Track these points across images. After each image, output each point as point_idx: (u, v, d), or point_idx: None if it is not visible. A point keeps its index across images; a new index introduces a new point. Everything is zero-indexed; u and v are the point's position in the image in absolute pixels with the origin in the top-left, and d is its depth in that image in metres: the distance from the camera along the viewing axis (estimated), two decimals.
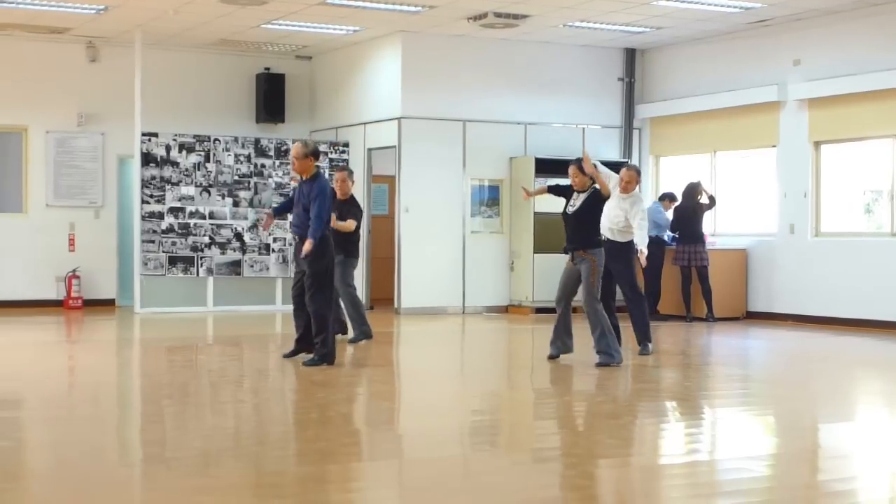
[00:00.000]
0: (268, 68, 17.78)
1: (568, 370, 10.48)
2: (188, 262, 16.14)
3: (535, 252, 16.15)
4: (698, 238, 15.26)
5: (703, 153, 16.61)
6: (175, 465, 6.28)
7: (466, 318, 15.79)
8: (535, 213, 16.08)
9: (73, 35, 16.29)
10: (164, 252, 16.02)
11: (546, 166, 15.69)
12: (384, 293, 16.81)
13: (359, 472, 6.31)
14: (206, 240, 16.22)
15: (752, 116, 15.66)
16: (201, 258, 16.20)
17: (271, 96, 17.66)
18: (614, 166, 16.36)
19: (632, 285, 11.41)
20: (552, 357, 10.63)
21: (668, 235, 15.64)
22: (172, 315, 15.70)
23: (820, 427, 8.05)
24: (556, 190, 11.04)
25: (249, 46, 17.09)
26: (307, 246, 10.04)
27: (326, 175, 13.19)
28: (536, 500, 5.71)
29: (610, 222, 11.29)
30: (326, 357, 10.17)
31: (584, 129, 17.11)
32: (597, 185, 10.46)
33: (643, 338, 11.38)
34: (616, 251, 11.22)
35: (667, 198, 15.85)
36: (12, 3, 14.31)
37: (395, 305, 16.20)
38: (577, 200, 10.51)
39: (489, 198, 16.47)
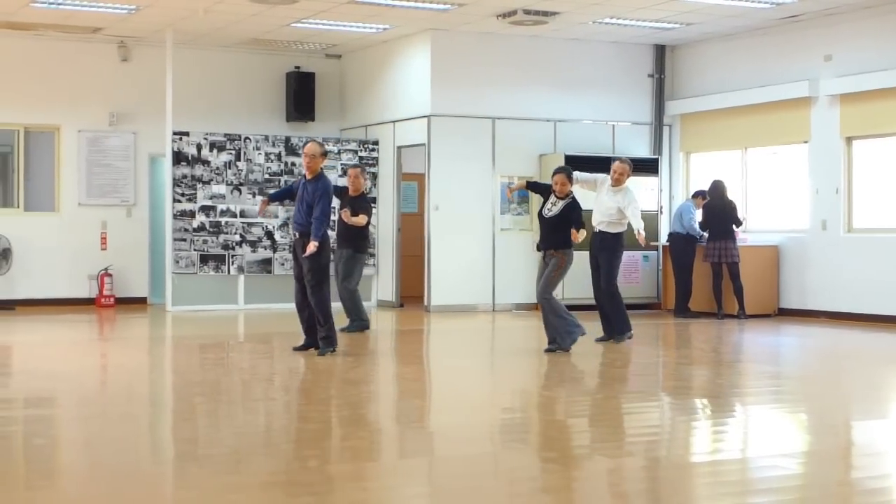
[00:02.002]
0: (298, 67, 17.81)
1: (597, 367, 10.47)
2: (219, 261, 16.19)
3: None
4: (728, 234, 15.17)
5: (733, 149, 16.52)
6: (207, 463, 6.30)
7: (496, 315, 15.77)
8: None
9: (105, 35, 16.37)
10: (195, 250, 16.08)
11: (576, 163, 15.52)
12: (414, 291, 16.81)
13: (390, 470, 6.31)
14: (237, 238, 16.27)
15: (784, 112, 15.55)
16: (232, 256, 16.26)
17: (301, 95, 17.68)
18: (644, 163, 16.43)
19: (610, 277, 11.82)
20: (551, 349, 11.01)
21: (698, 232, 15.52)
22: (204, 313, 15.76)
23: (853, 424, 7.99)
24: (533, 187, 11.74)
25: (279, 45, 17.12)
26: (311, 248, 10.39)
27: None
28: (566, 497, 5.69)
29: (602, 215, 11.81)
30: (333, 343, 10.67)
31: (613, 125, 17.04)
32: (575, 195, 10.96)
33: (620, 327, 11.80)
34: (606, 242, 11.77)
35: (699, 195, 15.74)
36: (45, 3, 14.39)
37: (425, 303, 16.19)
38: (556, 206, 10.91)
39: (519, 195, 16.41)
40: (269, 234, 16.40)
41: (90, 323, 14.79)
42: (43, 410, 8.17)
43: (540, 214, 11.04)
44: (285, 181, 16.33)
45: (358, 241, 12.59)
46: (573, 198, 10.89)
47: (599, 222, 11.80)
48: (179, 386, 9.46)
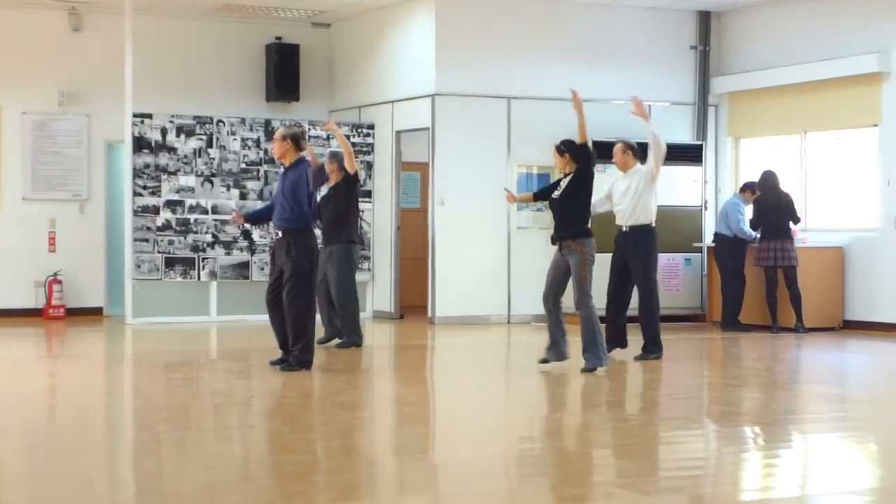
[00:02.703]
0: (279, 38, 17.84)
1: (630, 388, 10.48)
2: (188, 265, 16.22)
3: None
4: (785, 234, 15.15)
5: (791, 134, 16.52)
6: (173, 502, 6.31)
7: (512, 328, 15.78)
8: None
9: (53, 0, 16.39)
10: (159, 253, 16.11)
11: (605, 150, 15.62)
12: (416, 300, 16.82)
13: None
14: (209, 238, 16.30)
15: (850, 90, 15.55)
16: (203, 259, 16.29)
17: (284, 70, 17.70)
18: (685, 150, 16.44)
19: (647, 280, 11.97)
20: (545, 361, 11.21)
21: (748, 235, 15.46)
22: (170, 326, 15.77)
23: None
24: (541, 195, 11.79)
25: (258, 12, 17.15)
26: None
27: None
28: None
29: (625, 205, 11.95)
30: (306, 363, 10.86)
31: (650, 106, 16.97)
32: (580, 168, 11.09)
33: (651, 344, 11.95)
34: (639, 242, 11.88)
35: (748, 188, 15.71)
36: None
37: (429, 314, 16.21)
38: (563, 185, 11.12)
39: (538, 188, 16.42)
40: (247, 234, 16.43)
41: (36, 337, 14.82)
42: None
43: (551, 200, 11.21)
44: (265, 172, 16.37)
45: (350, 230, 12.68)
46: (578, 169, 11.00)
47: (623, 218, 11.97)
48: (141, 411, 9.47)
